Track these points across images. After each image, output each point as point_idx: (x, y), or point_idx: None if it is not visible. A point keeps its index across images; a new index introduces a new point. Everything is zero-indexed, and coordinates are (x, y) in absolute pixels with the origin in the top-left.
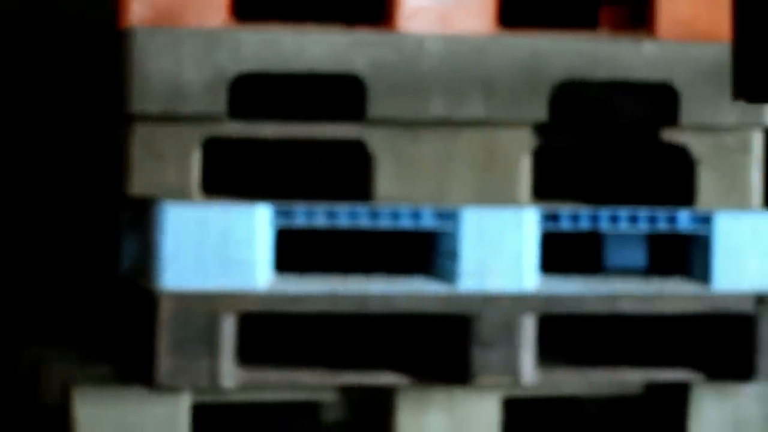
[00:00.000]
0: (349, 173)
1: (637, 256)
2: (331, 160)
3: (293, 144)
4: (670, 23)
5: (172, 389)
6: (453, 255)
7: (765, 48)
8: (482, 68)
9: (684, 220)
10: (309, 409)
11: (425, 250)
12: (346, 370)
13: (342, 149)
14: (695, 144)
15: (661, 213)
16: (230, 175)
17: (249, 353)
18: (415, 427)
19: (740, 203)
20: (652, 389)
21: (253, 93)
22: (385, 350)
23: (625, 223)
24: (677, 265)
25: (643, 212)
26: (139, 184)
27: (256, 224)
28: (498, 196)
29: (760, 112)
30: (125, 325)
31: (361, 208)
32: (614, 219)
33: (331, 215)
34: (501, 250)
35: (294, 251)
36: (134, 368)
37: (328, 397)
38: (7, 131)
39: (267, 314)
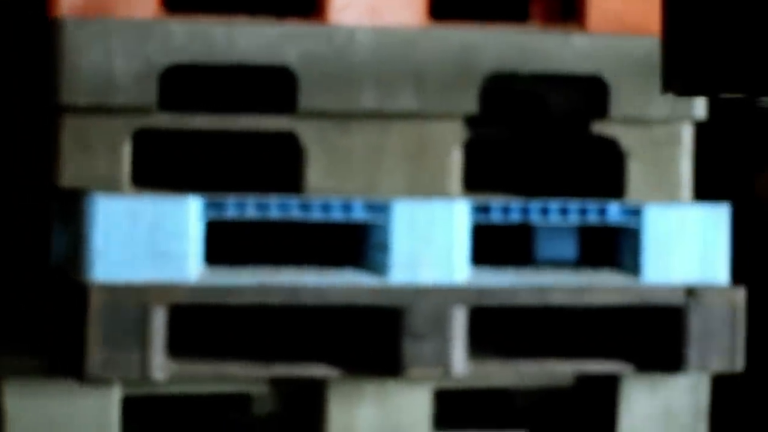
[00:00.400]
0: (281, 166)
1: (568, 249)
2: (263, 152)
3: (225, 136)
4: (600, 16)
5: (103, 382)
6: (384, 247)
7: (694, 41)
8: (413, 61)
9: (614, 212)
10: (241, 402)
11: (357, 243)
12: (277, 363)
13: (274, 142)
14: (625, 136)
15: (592, 205)
16: (161, 168)
17: (180, 345)
18: (346, 420)
19: (670, 195)
20: (583, 381)
21: (185, 85)
22: (316, 342)
23: (556, 216)
24: (608, 258)
25: (573, 204)
26: (69, 176)
27: (186, 216)
28: (429, 188)
29: (689, 104)
30: (56, 318)
31: (292, 201)
32: (545, 211)
33: (262, 207)
34: (432, 242)
35: (225, 243)
36: (65, 361)
37: (259, 389)
38: None
39: (198, 306)
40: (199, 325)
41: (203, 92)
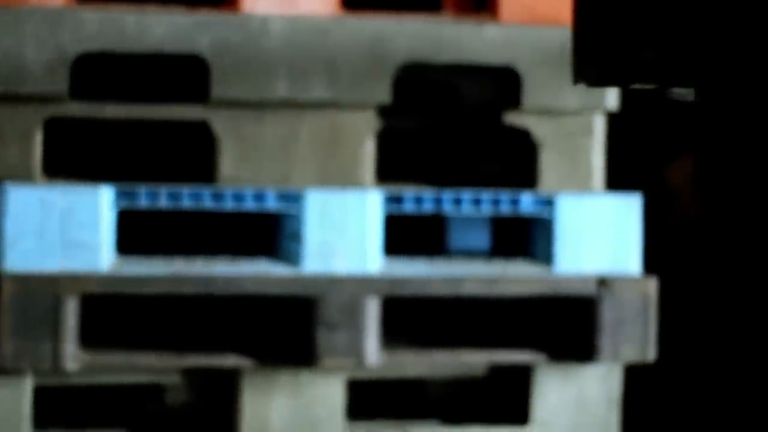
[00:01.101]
0: (195, 155)
1: (482, 239)
2: (177, 142)
3: (139, 125)
4: (512, 7)
5: (15, 372)
6: (297, 237)
7: (605, 31)
8: (326, 50)
9: (527, 202)
10: (154, 392)
11: (270, 233)
12: (190, 353)
13: (188, 131)
14: (537, 127)
15: (504, 196)
16: (74, 157)
17: (93, 336)
18: (259, 410)
19: (582, 186)
20: (497, 371)
21: (99, 73)
22: (230, 333)
23: (469, 206)
24: (521, 248)
25: (486, 195)
26: None
27: (98, 206)
28: (342, 178)
29: (602, 95)
30: None
31: (205, 190)
32: (457, 201)
33: (174, 197)
34: (345, 232)
35: (138, 233)
36: None
37: (173, 380)
38: None
39: (111, 296)
40: (111, 315)
41: (117, 81)
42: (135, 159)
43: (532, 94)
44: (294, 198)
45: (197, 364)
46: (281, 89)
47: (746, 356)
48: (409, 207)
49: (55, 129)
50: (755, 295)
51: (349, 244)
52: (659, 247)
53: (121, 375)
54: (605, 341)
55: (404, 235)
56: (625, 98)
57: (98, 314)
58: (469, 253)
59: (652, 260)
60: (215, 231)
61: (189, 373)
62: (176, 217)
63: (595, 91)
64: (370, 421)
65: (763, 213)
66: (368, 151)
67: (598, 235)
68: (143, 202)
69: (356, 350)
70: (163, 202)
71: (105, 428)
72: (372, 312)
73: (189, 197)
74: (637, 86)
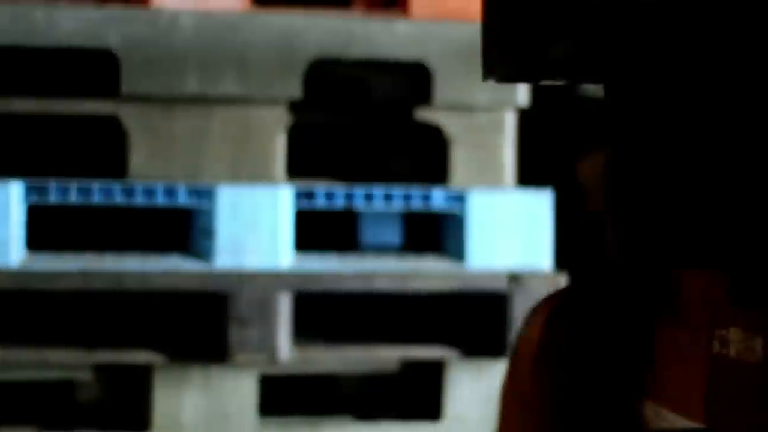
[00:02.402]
0: (105, 151)
1: (393, 235)
2: (88, 137)
3: (49, 120)
4: (422, 3)
5: None
6: (209, 233)
7: (514, 27)
8: (236, 45)
9: (438, 198)
10: (65, 389)
11: (182, 228)
12: (101, 349)
13: (98, 126)
14: (449, 123)
15: (416, 191)
16: None
17: (3, 332)
18: (171, 406)
19: (493, 181)
20: (410, 367)
21: (8, 68)
22: (142, 329)
23: (380, 201)
24: (433, 244)
25: (397, 191)
26: None
27: (8, 201)
28: (253, 173)
29: (512, 91)
30: None
31: (115, 186)
32: (369, 197)
33: (85, 192)
34: (256, 228)
35: (48, 229)
36: None
37: (84, 376)
38: None
39: (21, 292)
40: (21, 311)
41: (26, 75)
42: (45, 154)
43: (442, 89)
44: (205, 193)
45: (108, 361)
46: (191, 84)
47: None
48: (320, 203)
49: None
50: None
51: (260, 240)
52: (570, 242)
53: (32, 371)
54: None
55: (316, 231)
56: (536, 94)
57: (8, 310)
58: (381, 249)
59: (562, 256)
60: (126, 227)
61: (101, 369)
62: (87, 213)
63: (506, 87)
64: (283, 417)
65: (669, 209)
66: (279, 146)
67: (510, 230)
68: (53, 198)
69: (268, 346)
70: (74, 198)
71: (16, 425)
72: (284, 308)
73: (99, 192)
74: (547, 82)
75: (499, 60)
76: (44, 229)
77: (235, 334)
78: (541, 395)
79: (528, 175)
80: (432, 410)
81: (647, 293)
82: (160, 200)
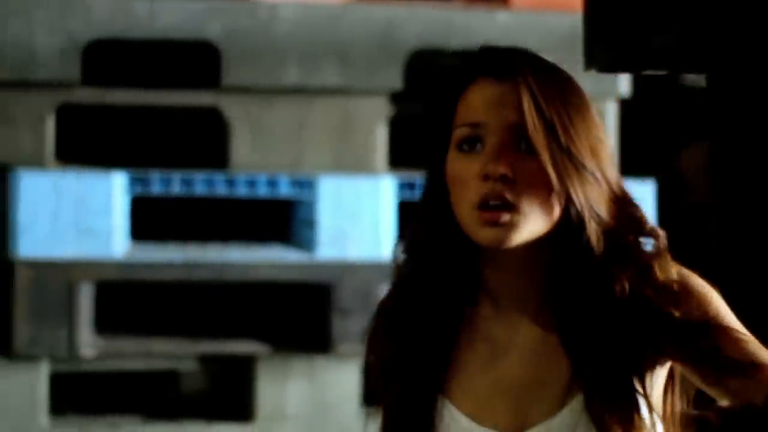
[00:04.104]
0: (206, 142)
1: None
2: (189, 128)
3: (151, 112)
4: None
5: (30, 359)
6: (311, 223)
7: (616, 18)
8: (337, 36)
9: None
10: (169, 379)
11: (284, 219)
12: (204, 340)
13: (200, 117)
14: None
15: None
16: (87, 143)
17: (108, 322)
18: (275, 396)
19: None
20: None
21: (111, 60)
22: (245, 320)
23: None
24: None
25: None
26: None
27: (112, 192)
28: (354, 164)
29: (614, 82)
30: None
31: (218, 177)
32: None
33: (187, 183)
34: (358, 218)
35: (152, 220)
36: None
37: (187, 366)
38: None
39: (125, 283)
40: (126, 301)
41: (128, 67)
42: (147, 146)
43: None
44: (306, 184)
45: (212, 351)
46: (292, 75)
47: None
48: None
49: (67, 115)
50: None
51: (362, 231)
52: (672, 233)
53: (136, 361)
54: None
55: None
56: (637, 84)
57: (113, 301)
58: None
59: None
60: (228, 217)
61: (204, 360)
62: (189, 204)
63: (607, 78)
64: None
65: None
66: (380, 136)
67: None
68: (156, 189)
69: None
70: (176, 189)
71: (122, 414)
72: None
73: (202, 184)
74: (649, 72)
75: (601, 50)
76: (147, 220)
77: (337, 324)
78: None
79: (630, 166)
80: None
81: None
82: (262, 191)
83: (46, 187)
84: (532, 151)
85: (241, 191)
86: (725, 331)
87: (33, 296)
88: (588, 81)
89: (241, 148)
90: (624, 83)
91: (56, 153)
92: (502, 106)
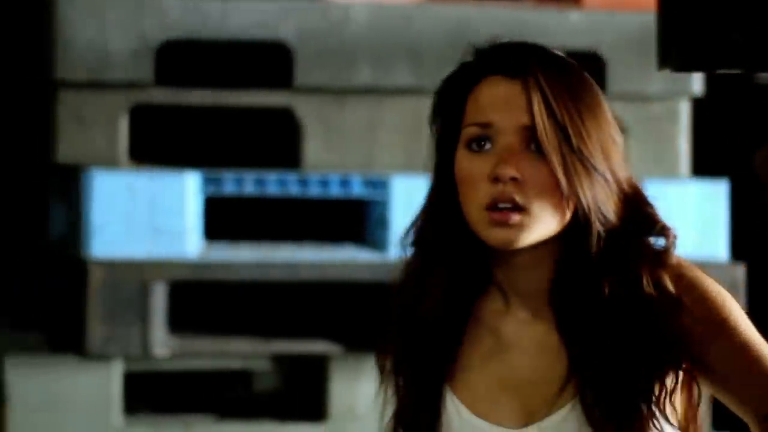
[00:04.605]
0: (278, 141)
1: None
2: (261, 128)
3: (223, 112)
4: None
5: (104, 358)
6: (383, 223)
7: (690, 17)
8: (409, 36)
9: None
10: (242, 378)
11: (357, 219)
12: (277, 339)
13: (272, 117)
14: (623, 113)
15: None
16: (159, 144)
17: (181, 322)
18: (347, 396)
19: (668, 172)
20: None
21: (184, 60)
22: (318, 319)
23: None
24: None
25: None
26: (65, 152)
27: (185, 192)
28: (427, 163)
29: (687, 81)
30: (56, 294)
31: (290, 177)
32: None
33: (260, 183)
34: None
35: (224, 219)
36: (65, 337)
37: (261, 365)
38: None
39: (198, 282)
40: (199, 301)
41: (201, 68)
42: (219, 145)
43: (616, 79)
44: (379, 184)
45: (285, 350)
46: (364, 75)
47: None
48: None
49: (141, 115)
50: None
51: None
52: (745, 233)
53: (210, 361)
54: None
55: None
56: (711, 83)
57: (186, 300)
58: None
59: (739, 246)
60: (301, 217)
61: (277, 359)
62: (261, 203)
63: (680, 77)
64: None
65: None
66: None
67: (685, 221)
68: (229, 189)
69: None
70: (249, 189)
71: (195, 413)
72: None
73: (275, 183)
74: (723, 71)
75: (675, 49)
76: (220, 219)
77: None
78: None
79: (703, 166)
80: None
81: None
82: (335, 191)
83: (120, 187)
84: (542, 152)
85: (314, 191)
86: (733, 336)
87: (106, 296)
88: (661, 80)
89: (314, 148)
90: (697, 82)
91: (130, 153)
92: (512, 107)
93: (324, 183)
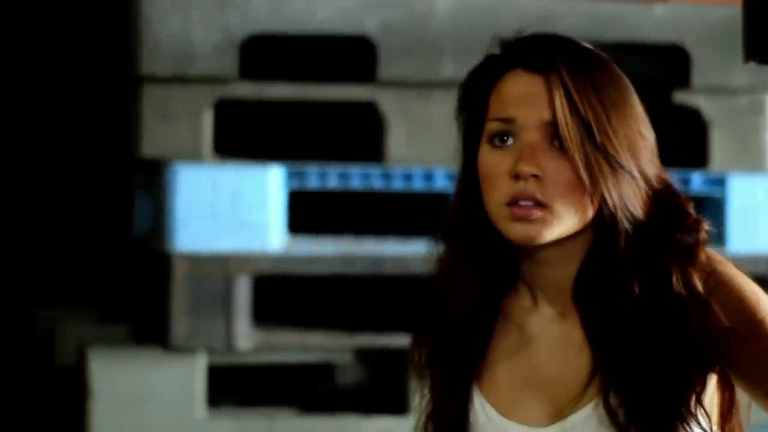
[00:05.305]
0: (361, 135)
1: None
2: (343, 121)
3: (306, 106)
4: None
5: (188, 351)
6: None
7: None
8: (493, 30)
9: (697, 182)
10: (324, 371)
11: (439, 211)
12: (360, 332)
13: (354, 111)
14: (707, 106)
15: (674, 175)
16: (243, 137)
17: (264, 315)
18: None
19: (753, 165)
20: None
21: (265, 54)
22: (401, 313)
23: None
24: None
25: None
26: (150, 146)
27: (268, 185)
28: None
29: None
30: (139, 287)
31: (374, 170)
32: None
33: (344, 177)
34: None
35: (306, 213)
36: (149, 329)
37: (343, 359)
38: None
39: (282, 276)
40: (282, 294)
41: (282, 61)
42: (302, 139)
43: (700, 72)
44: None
45: (368, 344)
46: (448, 68)
47: None
48: None
49: (224, 109)
50: None
51: None
52: None
53: (292, 354)
54: None
55: None
56: None
57: (269, 294)
58: None
59: None
60: (383, 211)
61: (360, 353)
62: (342, 197)
63: (766, 70)
64: None
65: None
66: None
67: None
68: (313, 183)
69: None
70: (333, 183)
71: (277, 406)
72: None
73: (358, 177)
74: None
75: (761, 42)
76: (302, 213)
77: None
78: None
79: None
80: None
81: None
82: (418, 184)
83: (204, 181)
84: (565, 149)
85: (397, 185)
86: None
87: (190, 289)
88: (747, 73)
89: (397, 141)
90: None
91: (214, 147)
92: (535, 102)
93: (407, 177)
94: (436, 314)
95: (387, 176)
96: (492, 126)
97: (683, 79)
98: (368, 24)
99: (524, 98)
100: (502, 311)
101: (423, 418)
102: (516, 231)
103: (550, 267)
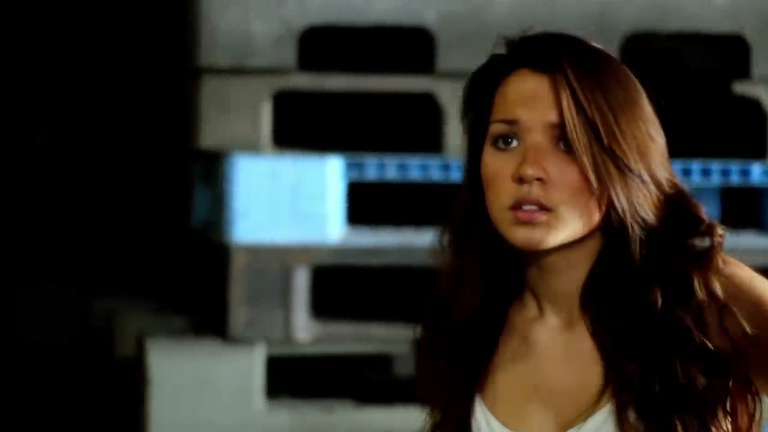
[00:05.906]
0: (420, 126)
1: (711, 210)
2: (401, 113)
3: (366, 97)
4: None
5: (246, 341)
6: None
7: None
8: (551, 20)
9: (757, 173)
10: (382, 363)
11: None
12: (418, 323)
13: (412, 102)
14: (767, 97)
15: (734, 166)
16: (302, 129)
17: (322, 306)
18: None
19: None
20: None
21: (323, 45)
22: None
23: (698, 176)
24: (751, 220)
25: (715, 165)
26: (209, 137)
27: (327, 177)
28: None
29: None
30: (198, 278)
31: (433, 161)
32: (686, 172)
33: (403, 168)
34: None
35: (365, 204)
36: (208, 320)
37: (401, 350)
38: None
39: (340, 267)
40: (341, 285)
41: (340, 52)
42: (362, 130)
43: (760, 63)
44: None
45: None
46: None
47: None
48: None
49: (283, 100)
50: None
51: None
52: None
53: (350, 345)
54: None
55: None
56: None
57: (328, 285)
58: None
59: None
60: (441, 202)
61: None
62: (402, 188)
63: None
64: None
65: None
66: None
67: None
68: (371, 174)
69: None
70: (392, 174)
71: (335, 397)
72: None
73: (417, 168)
74: None
75: None
76: (361, 204)
77: None
78: None
79: None
80: None
81: None
82: None
83: (263, 173)
84: (571, 151)
85: (456, 176)
86: None
87: (249, 280)
88: None
89: (456, 133)
90: None
91: (273, 138)
92: (540, 103)
93: None
94: (439, 322)
95: (445, 167)
96: (496, 128)
97: (743, 70)
98: (427, 15)
99: (529, 99)
100: (508, 321)
101: (429, 427)
102: (519, 235)
103: (556, 274)
